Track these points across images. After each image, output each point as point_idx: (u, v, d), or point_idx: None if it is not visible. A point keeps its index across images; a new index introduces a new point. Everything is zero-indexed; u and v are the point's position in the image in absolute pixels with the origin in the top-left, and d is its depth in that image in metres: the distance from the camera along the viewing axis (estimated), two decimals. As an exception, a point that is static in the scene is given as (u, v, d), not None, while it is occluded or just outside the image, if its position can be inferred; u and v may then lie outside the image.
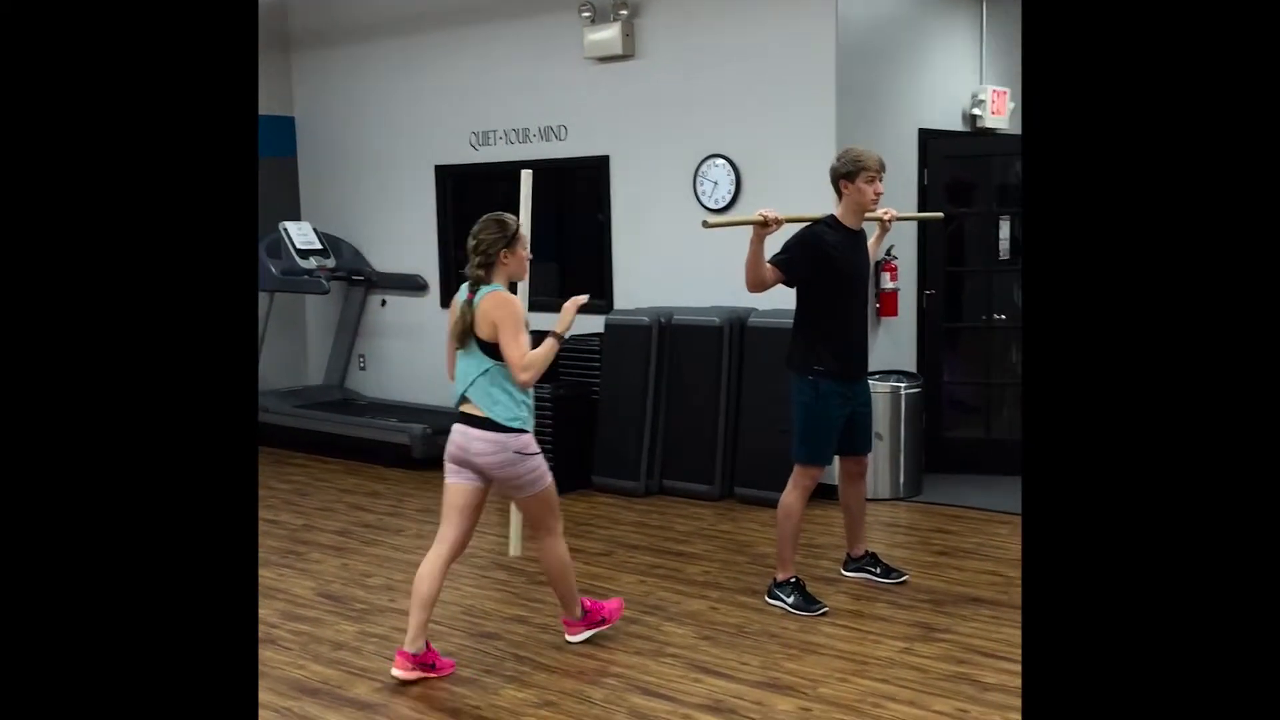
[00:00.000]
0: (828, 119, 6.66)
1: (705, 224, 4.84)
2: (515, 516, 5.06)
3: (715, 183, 7.17)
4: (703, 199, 7.20)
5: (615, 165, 7.67)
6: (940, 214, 6.27)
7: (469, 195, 8.67)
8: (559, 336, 4.37)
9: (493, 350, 4.21)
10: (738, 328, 6.86)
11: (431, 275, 8.76)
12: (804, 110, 6.76)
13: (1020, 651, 4.33)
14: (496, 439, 4.22)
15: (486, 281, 4.26)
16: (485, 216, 4.34)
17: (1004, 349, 8.07)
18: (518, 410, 4.27)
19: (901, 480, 6.80)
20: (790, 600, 4.93)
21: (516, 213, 4.66)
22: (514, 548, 5.36)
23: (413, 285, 8.75)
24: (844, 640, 4.57)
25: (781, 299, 5.33)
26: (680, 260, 7.29)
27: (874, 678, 4.20)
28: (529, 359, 4.17)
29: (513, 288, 4.47)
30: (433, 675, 4.27)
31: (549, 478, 4.40)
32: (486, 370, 4.23)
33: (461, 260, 8.66)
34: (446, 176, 8.63)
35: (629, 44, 7.41)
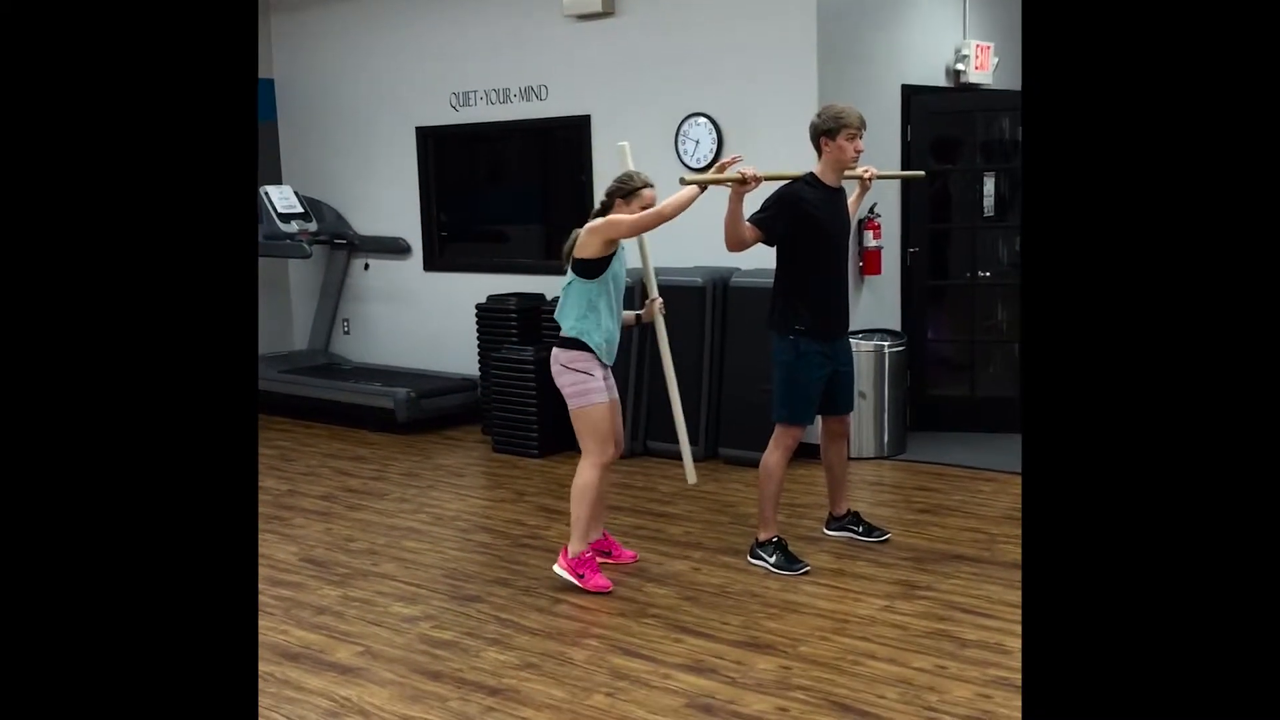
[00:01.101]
0: (809, 76, 6.61)
1: (683, 181, 4.81)
2: (685, 445, 5.08)
3: (697, 141, 7.11)
4: (684, 158, 7.14)
5: (597, 124, 7.61)
6: (921, 172, 6.23)
7: (450, 157, 8.61)
8: (702, 189, 4.70)
9: (579, 267, 4.66)
10: (721, 287, 6.83)
11: (414, 238, 8.70)
12: (786, 68, 6.70)
13: (1000, 608, 4.38)
14: (555, 352, 4.76)
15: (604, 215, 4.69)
16: (628, 169, 4.79)
17: (988, 306, 8.05)
18: (582, 324, 4.66)
19: (886, 439, 6.80)
20: (772, 560, 4.93)
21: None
22: (690, 475, 5.17)
23: (395, 248, 8.70)
24: (825, 599, 4.58)
25: (763, 258, 5.30)
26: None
27: (854, 635, 4.21)
28: (658, 210, 4.56)
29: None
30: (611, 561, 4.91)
31: (592, 400, 4.69)
32: (570, 283, 4.70)
33: (444, 223, 8.69)
34: (427, 138, 8.56)
35: (608, 1, 7.33)
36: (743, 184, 4.73)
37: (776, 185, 4.99)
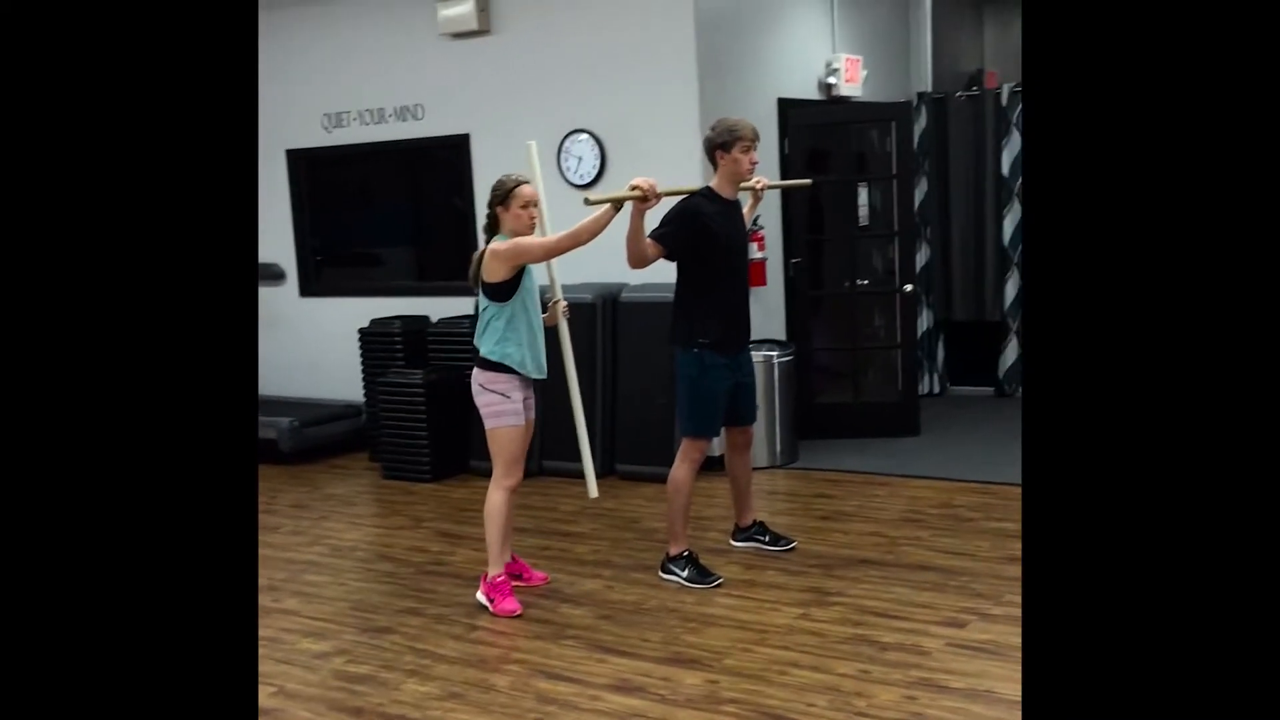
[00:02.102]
0: (690, 90, 6.66)
1: (586, 201, 4.79)
2: (587, 458, 5.00)
3: (580, 158, 7.11)
4: (568, 175, 7.13)
5: (476, 143, 7.54)
6: (809, 180, 6.33)
7: (323, 180, 8.43)
8: (618, 208, 4.62)
9: (489, 291, 4.64)
10: (610, 303, 6.83)
11: (289, 264, 8.49)
12: (666, 82, 6.75)
13: (911, 609, 4.45)
14: (475, 372, 4.72)
15: (495, 231, 4.71)
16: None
17: (868, 314, 8.24)
18: (502, 347, 4.64)
19: (779, 448, 6.87)
20: (685, 574, 4.93)
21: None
22: (591, 489, 5.09)
23: (270, 275, 8.47)
24: (742, 610, 4.60)
25: (653, 273, 5.29)
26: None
27: (775, 645, 4.23)
28: (570, 234, 4.56)
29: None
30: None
31: (505, 422, 4.67)
32: (485, 309, 4.69)
33: (318, 248, 8.49)
34: (299, 161, 8.37)
35: (484, 19, 7.27)
36: (643, 200, 4.73)
37: (675, 200, 5.00)
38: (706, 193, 5.00)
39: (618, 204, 4.62)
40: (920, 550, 5.19)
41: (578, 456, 5.12)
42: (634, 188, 4.67)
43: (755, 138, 4.98)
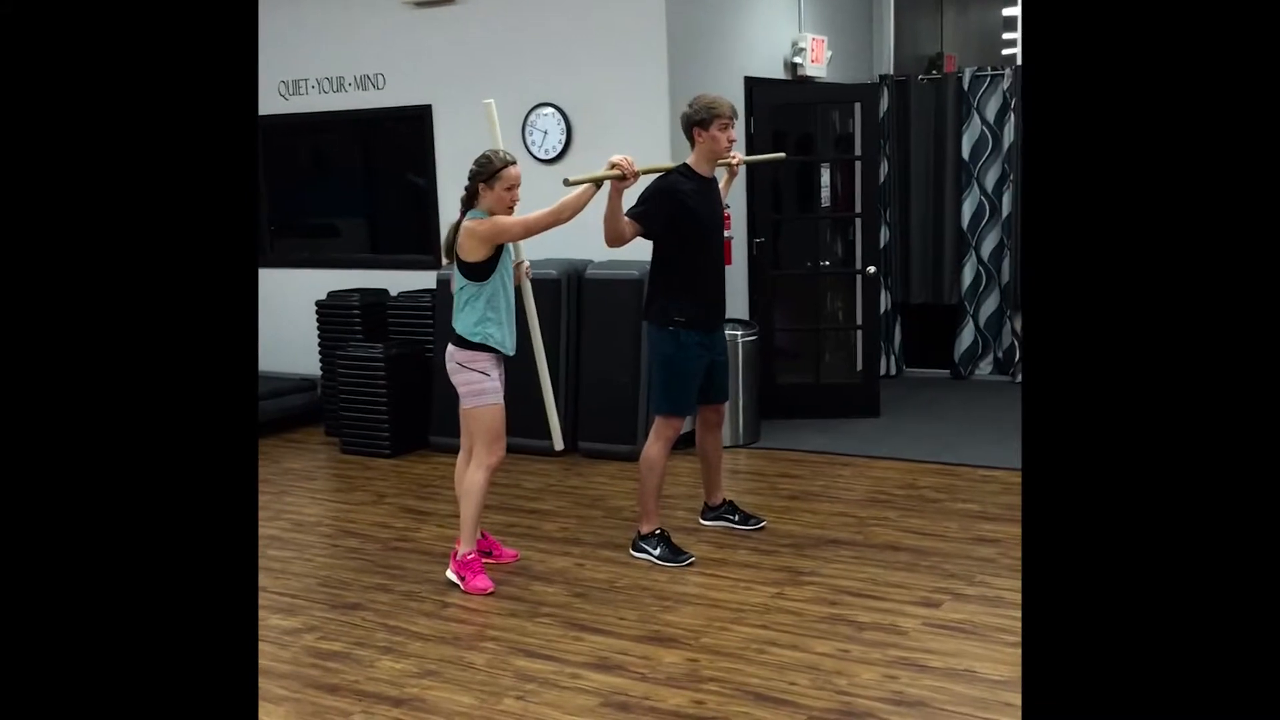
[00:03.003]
0: (660, 66, 6.61)
1: (566, 182, 4.73)
2: (551, 410, 4.97)
3: (545, 132, 7.03)
4: (532, 149, 7.05)
5: (438, 115, 7.43)
6: (783, 154, 6.32)
7: (279, 148, 8.27)
8: (596, 181, 4.59)
9: (467, 270, 4.55)
10: (575, 280, 6.78)
11: (242, 233, 8.31)
12: (635, 57, 6.69)
13: (885, 589, 4.47)
14: (450, 349, 4.64)
15: (473, 206, 4.60)
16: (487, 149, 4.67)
17: (828, 295, 8.26)
18: (483, 327, 4.57)
19: (741, 427, 6.87)
20: (657, 552, 4.92)
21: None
22: (556, 441, 5.09)
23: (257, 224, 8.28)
24: (715, 589, 4.59)
25: (618, 250, 5.22)
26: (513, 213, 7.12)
27: (753, 624, 4.23)
28: (555, 209, 4.52)
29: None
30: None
31: (486, 400, 4.62)
32: (462, 287, 4.58)
33: (274, 219, 8.36)
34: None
35: (449, -12, 7.17)
36: (621, 179, 4.68)
37: (652, 178, 4.96)
38: (684, 170, 4.96)
39: (598, 183, 4.57)
40: (889, 530, 5.21)
41: (541, 432, 5.09)
42: (613, 165, 4.62)
43: (733, 115, 4.95)
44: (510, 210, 4.59)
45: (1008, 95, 8.12)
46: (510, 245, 4.68)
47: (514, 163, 4.60)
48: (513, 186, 4.56)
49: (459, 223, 4.61)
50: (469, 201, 4.64)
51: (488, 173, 4.54)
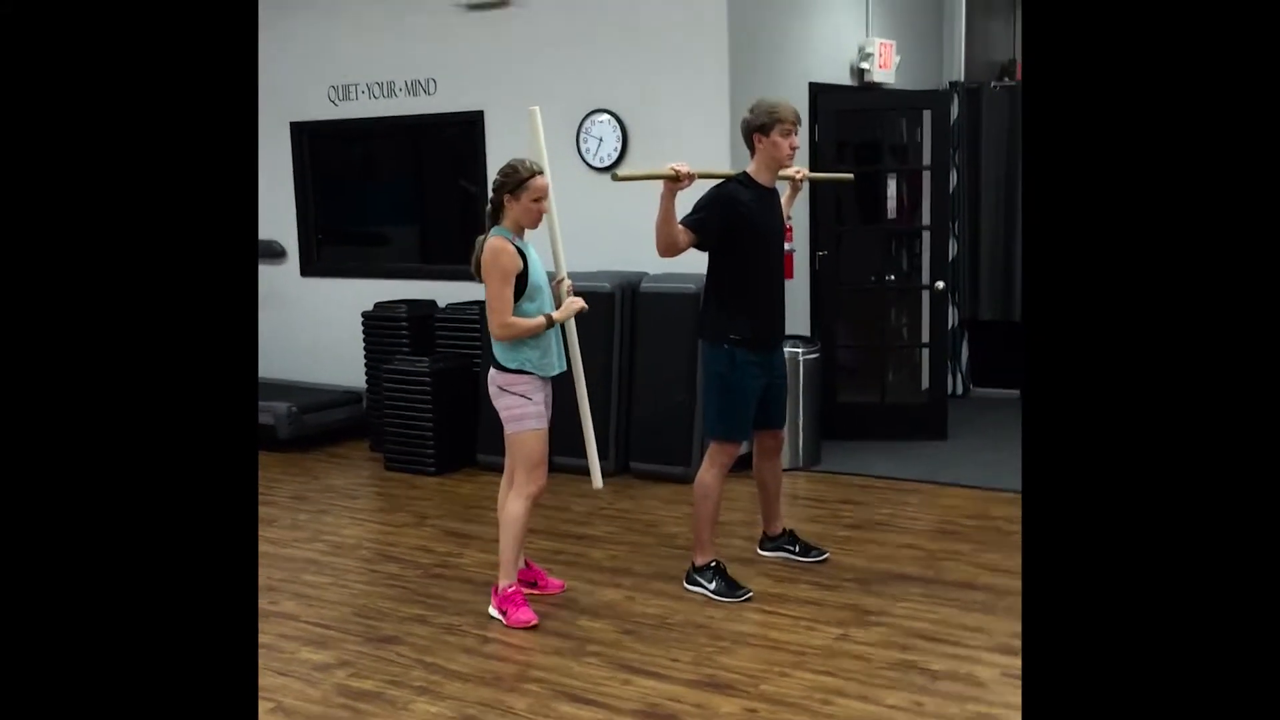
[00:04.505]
0: (720, 71, 6.32)
1: (615, 177, 4.47)
2: (591, 447, 4.65)
3: (600, 139, 6.76)
4: (586, 157, 6.78)
5: (490, 121, 7.18)
6: (850, 175, 5.97)
7: (328, 154, 8.07)
8: (550, 320, 4.35)
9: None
10: (629, 293, 6.49)
11: (289, 241, 8.13)
12: (695, 62, 6.40)
13: (960, 633, 4.13)
14: (491, 373, 4.40)
15: (494, 223, 4.33)
16: (512, 158, 4.38)
17: (892, 311, 7.93)
18: (518, 353, 4.31)
19: (801, 449, 6.54)
20: (712, 586, 4.61)
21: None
22: (596, 479, 4.73)
23: (270, 252, 8.10)
24: (776, 629, 4.27)
25: (676, 261, 4.92)
26: (564, 222, 6.83)
27: (816, 669, 3.91)
28: (511, 324, 4.25)
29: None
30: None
31: (528, 425, 4.36)
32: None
33: (321, 225, 8.16)
34: (303, 134, 8.00)
35: (503, -10, 6.92)
36: (675, 181, 4.39)
37: (709, 185, 4.66)
38: (743, 179, 4.66)
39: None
40: (962, 566, 4.87)
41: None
42: (671, 169, 4.35)
43: (796, 120, 4.64)
44: (537, 222, 4.32)
45: (1085, 103, 7.73)
46: (538, 267, 4.36)
47: (541, 172, 4.32)
48: (540, 198, 4.28)
49: (484, 239, 4.32)
50: (495, 215, 4.35)
51: (514, 182, 4.26)
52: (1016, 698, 3.62)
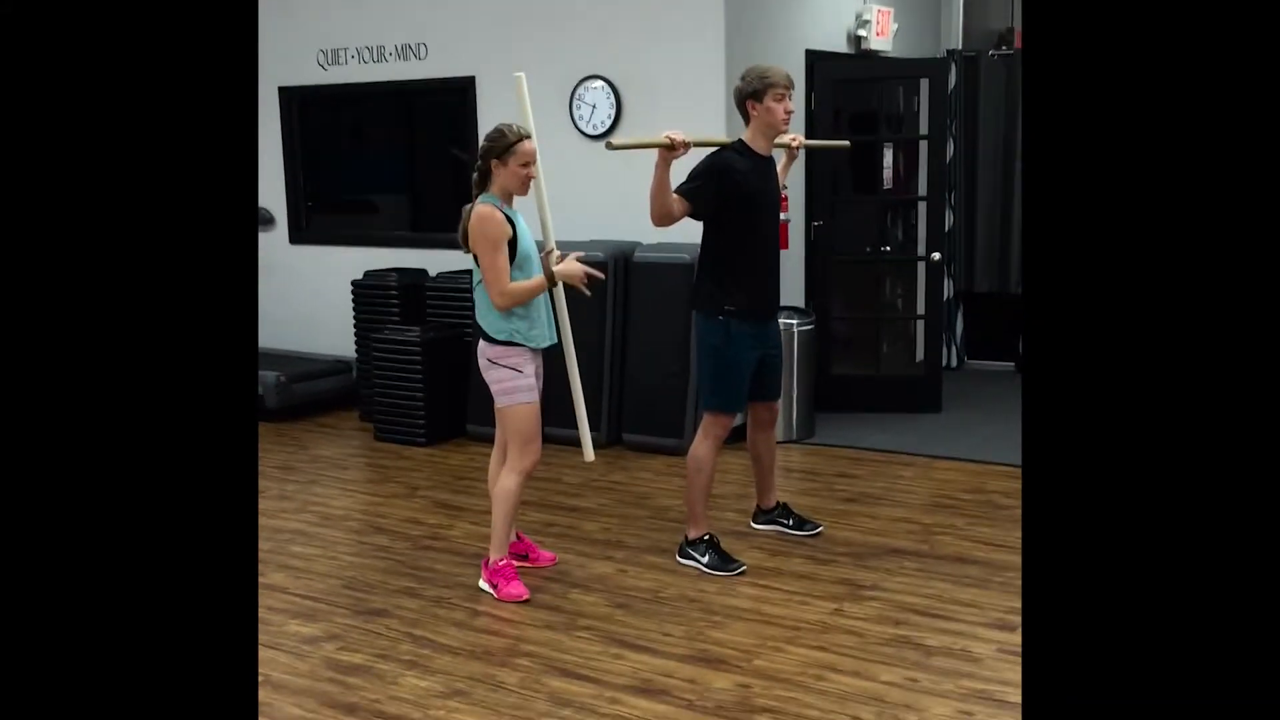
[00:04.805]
0: (716, 37, 6.22)
1: (609, 145, 4.37)
2: (583, 420, 4.58)
3: (594, 106, 6.66)
4: (580, 124, 6.69)
5: (482, 87, 7.08)
6: (847, 143, 5.88)
7: (317, 120, 7.96)
8: (551, 281, 4.26)
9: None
10: (623, 263, 6.41)
11: (278, 208, 8.03)
12: (690, 27, 6.30)
13: (954, 608, 4.09)
14: (481, 345, 4.29)
15: (482, 190, 4.22)
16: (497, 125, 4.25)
17: (887, 282, 7.86)
18: (509, 323, 4.22)
19: (795, 422, 6.49)
20: (705, 560, 4.56)
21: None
22: (587, 452, 4.65)
23: (259, 220, 8.00)
24: (769, 603, 4.23)
25: (670, 231, 4.84)
26: (557, 191, 6.75)
27: (809, 645, 3.86)
28: (510, 291, 4.14)
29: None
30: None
31: (519, 399, 4.27)
32: (480, 281, 4.22)
33: (311, 192, 8.06)
34: (292, 100, 7.89)
35: (496, -46, 6.81)
36: (670, 149, 4.31)
37: (705, 153, 4.58)
38: (738, 147, 4.58)
39: (556, 281, 4.26)
40: (957, 540, 4.83)
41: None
42: (667, 137, 4.27)
43: (789, 85, 4.56)
44: (525, 188, 4.22)
45: (1084, 73, 7.64)
46: (527, 235, 4.28)
47: (529, 136, 4.22)
48: (529, 163, 4.18)
49: (472, 208, 4.22)
50: (482, 183, 4.24)
51: (501, 147, 4.15)
52: (1011, 673, 3.59)
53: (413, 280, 7.04)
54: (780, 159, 4.89)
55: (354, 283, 7.18)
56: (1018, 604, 4.12)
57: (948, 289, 8.16)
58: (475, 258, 4.22)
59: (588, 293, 4.44)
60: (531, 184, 4.27)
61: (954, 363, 8.33)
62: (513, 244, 4.16)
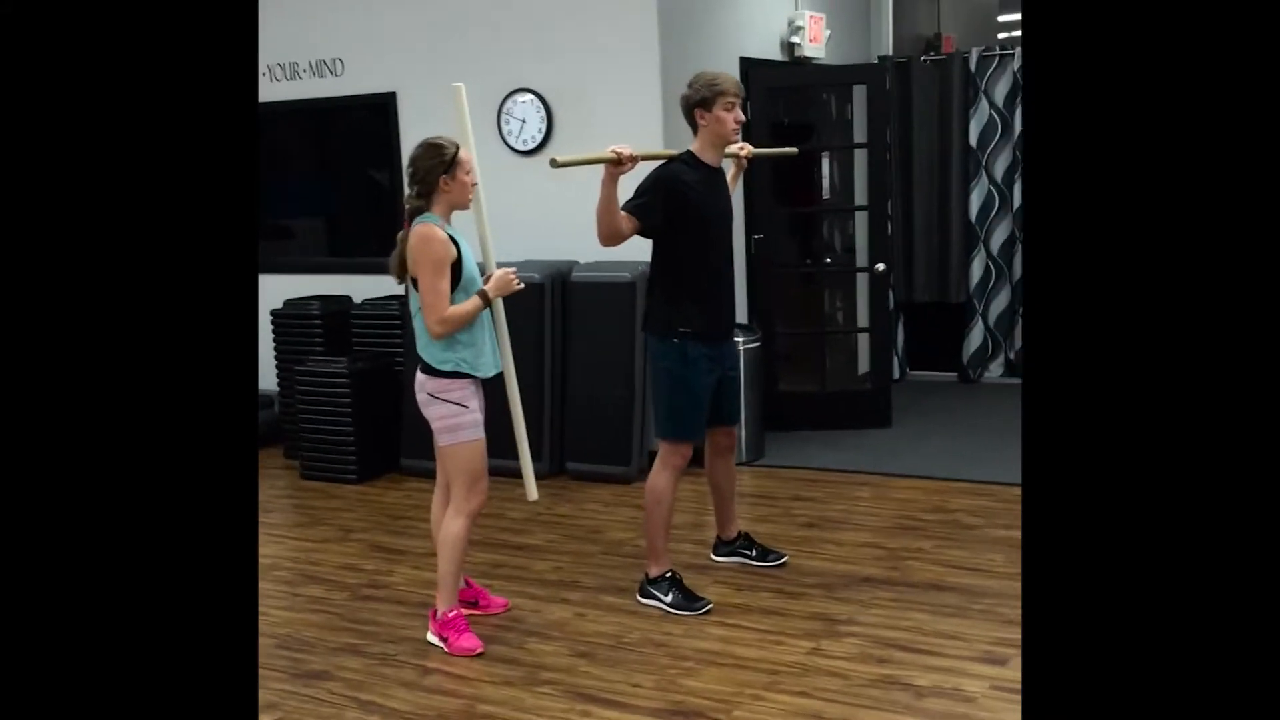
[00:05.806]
0: (650, 47, 5.97)
1: (553, 163, 4.07)
2: (526, 457, 4.24)
3: (523, 120, 6.37)
4: (509, 139, 6.39)
5: (404, 103, 6.75)
6: (794, 149, 5.65)
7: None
8: (486, 299, 3.92)
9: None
10: (559, 283, 6.12)
11: (188, 236, 7.60)
12: (622, 37, 6.05)
13: (937, 641, 3.85)
14: (420, 378, 3.98)
15: (426, 209, 3.89)
16: (422, 141, 3.95)
17: (826, 295, 7.66)
18: (453, 352, 3.91)
19: (744, 443, 6.22)
20: (669, 599, 4.27)
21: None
22: (530, 491, 4.32)
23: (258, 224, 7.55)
24: (741, 644, 3.95)
25: (609, 249, 4.54)
26: (487, 209, 6.46)
27: (790, 690, 3.59)
28: (448, 318, 3.83)
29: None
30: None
31: (463, 437, 3.94)
32: (419, 310, 3.89)
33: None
34: (200, 121, 7.47)
35: (414, -37, 6.49)
36: (617, 164, 4.03)
37: (652, 166, 4.32)
38: (687, 158, 4.32)
39: (490, 301, 3.95)
40: (927, 566, 4.60)
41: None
42: (612, 152, 3.99)
43: (740, 93, 4.32)
44: (469, 199, 3.93)
45: (1018, 77, 7.52)
46: (471, 257, 3.97)
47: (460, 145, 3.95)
48: (471, 170, 3.93)
49: (406, 234, 3.88)
50: (424, 203, 3.89)
51: (447, 160, 3.85)
52: (1010, 714, 3.35)
53: (337, 308, 6.68)
54: (729, 170, 4.64)
55: (273, 312, 6.79)
56: (1002, 634, 3.90)
57: (889, 300, 7.98)
58: (414, 283, 3.89)
59: (521, 284, 4.08)
60: (479, 206, 3.97)
61: (896, 374, 8.15)
62: (456, 266, 3.85)
